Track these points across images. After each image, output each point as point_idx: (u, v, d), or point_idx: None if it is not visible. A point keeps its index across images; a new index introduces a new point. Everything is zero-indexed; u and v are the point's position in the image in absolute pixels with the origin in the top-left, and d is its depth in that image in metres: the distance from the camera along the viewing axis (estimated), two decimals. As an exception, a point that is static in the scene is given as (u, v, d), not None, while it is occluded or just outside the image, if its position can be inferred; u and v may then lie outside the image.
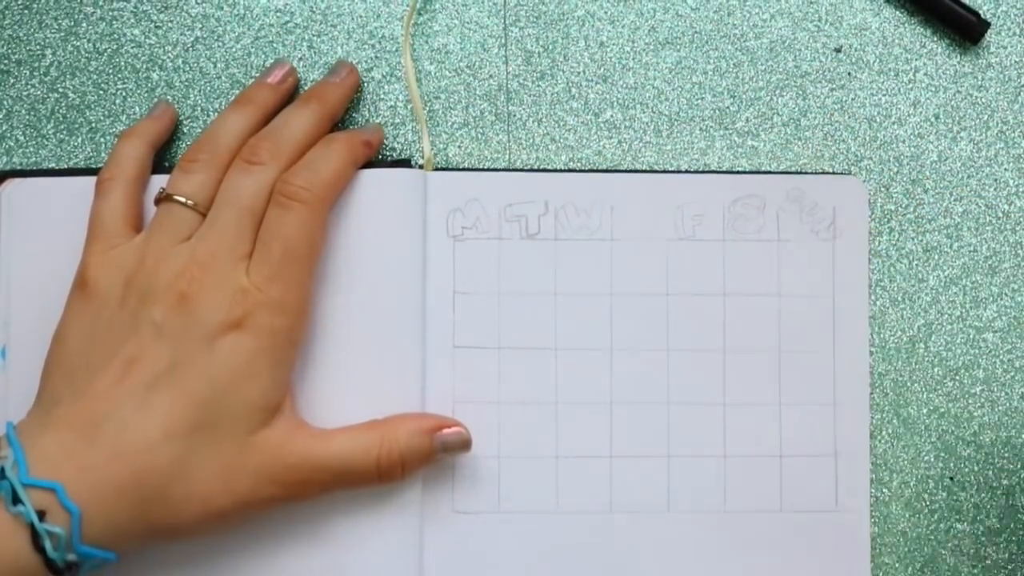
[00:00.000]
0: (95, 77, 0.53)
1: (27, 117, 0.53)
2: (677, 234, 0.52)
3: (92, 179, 0.50)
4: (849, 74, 0.53)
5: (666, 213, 0.52)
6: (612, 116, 0.53)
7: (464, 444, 0.49)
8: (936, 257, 0.53)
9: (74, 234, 0.49)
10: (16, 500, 0.42)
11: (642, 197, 0.52)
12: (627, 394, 0.51)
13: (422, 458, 0.49)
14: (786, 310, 0.52)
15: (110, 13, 0.53)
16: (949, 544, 0.52)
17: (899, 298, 0.53)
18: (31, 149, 0.53)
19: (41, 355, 0.47)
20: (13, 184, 0.51)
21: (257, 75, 0.52)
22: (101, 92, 0.53)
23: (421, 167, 0.52)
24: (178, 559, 0.49)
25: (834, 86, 0.53)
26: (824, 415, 0.51)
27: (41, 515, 0.42)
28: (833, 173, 0.53)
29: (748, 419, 0.51)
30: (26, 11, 0.53)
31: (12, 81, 0.53)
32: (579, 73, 0.53)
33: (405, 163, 0.53)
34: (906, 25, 0.54)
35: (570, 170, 0.53)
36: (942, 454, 0.53)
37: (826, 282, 0.52)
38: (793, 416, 0.51)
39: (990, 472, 0.53)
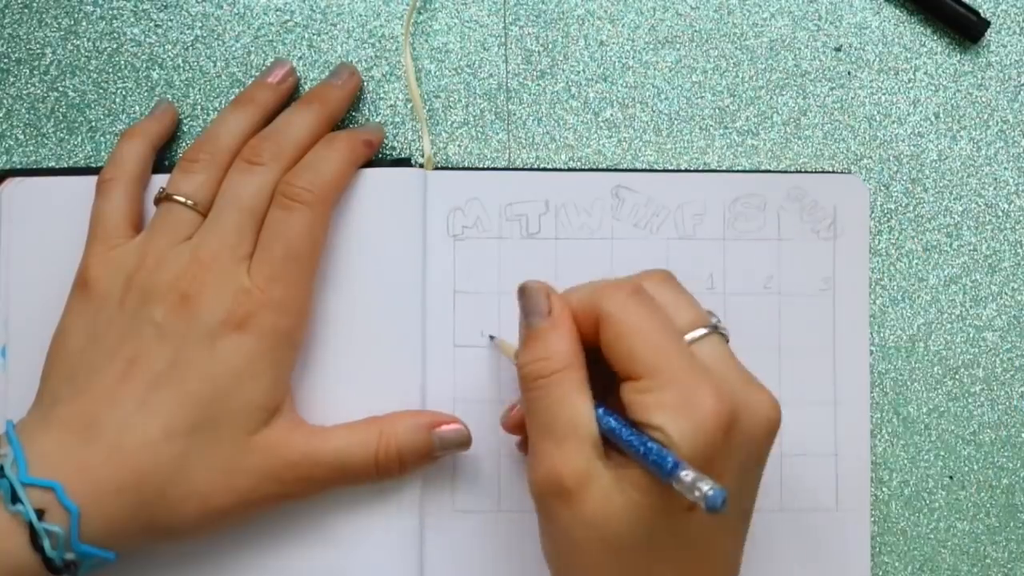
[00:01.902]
0: (95, 76, 0.53)
1: (27, 116, 0.53)
2: (677, 233, 0.52)
3: (92, 179, 0.50)
4: (849, 73, 0.53)
5: (666, 212, 0.52)
6: (612, 115, 0.53)
7: (463, 441, 0.49)
8: (936, 256, 0.53)
9: (74, 234, 0.49)
10: (15, 499, 0.42)
11: (642, 196, 0.52)
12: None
13: (420, 454, 0.48)
14: (786, 309, 0.52)
15: (110, 12, 0.53)
16: (949, 543, 0.52)
17: (899, 297, 0.53)
18: (31, 148, 0.53)
19: (41, 354, 0.47)
20: (13, 183, 0.51)
21: (257, 74, 0.52)
22: (101, 91, 0.53)
23: (421, 166, 0.52)
24: (178, 559, 0.49)
25: (834, 85, 0.53)
26: (824, 414, 0.51)
27: (40, 514, 0.42)
28: (833, 172, 0.53)
29: (748, 418, 0.51)
30: (26, 10, 0.53)
31: (12, 80, 0.53)
32: (579, 72, 0.53)
33: (405, 162, 0.53)
34: (906, 24, 0.54)
35: (570, 169, 0.53)
36: (942, 453, 0.53)
37: (826, 281, 0.52)
38: (793, 416, 0.51)
39: (990, 471, 0.53)
